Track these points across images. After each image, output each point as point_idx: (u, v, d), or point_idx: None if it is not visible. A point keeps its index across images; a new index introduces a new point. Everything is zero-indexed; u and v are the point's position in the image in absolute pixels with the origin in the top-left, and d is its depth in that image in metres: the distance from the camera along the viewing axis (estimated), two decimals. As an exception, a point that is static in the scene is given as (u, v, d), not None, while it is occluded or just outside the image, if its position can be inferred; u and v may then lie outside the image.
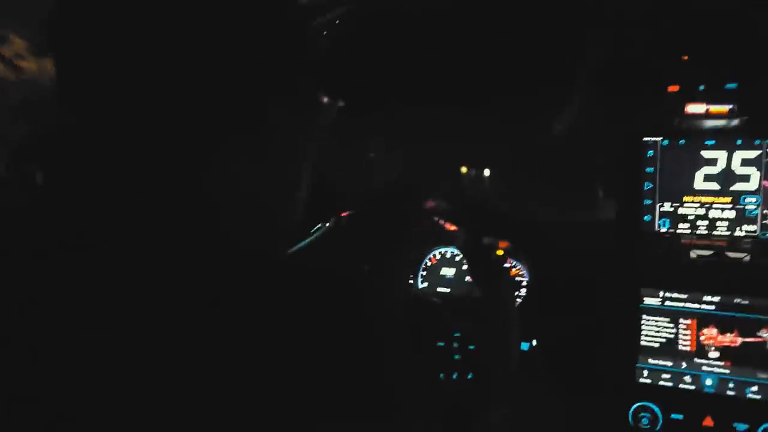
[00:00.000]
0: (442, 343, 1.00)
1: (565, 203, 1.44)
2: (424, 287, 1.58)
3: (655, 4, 1.11)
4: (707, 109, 1.23)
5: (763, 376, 1.19)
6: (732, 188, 1.24)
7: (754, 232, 1.24)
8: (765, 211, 1.22)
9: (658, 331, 1.29)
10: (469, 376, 0.92)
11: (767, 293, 1.21)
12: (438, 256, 1.58)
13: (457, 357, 0.96)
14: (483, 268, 1.02)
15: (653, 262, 1.31)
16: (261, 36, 0.49)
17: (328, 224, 1.20)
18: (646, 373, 1.29)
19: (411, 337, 0.96)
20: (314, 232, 1.21)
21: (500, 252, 1.47)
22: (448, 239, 1.21)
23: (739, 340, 1.22)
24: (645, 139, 1.28)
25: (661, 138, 1.27)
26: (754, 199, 1.23)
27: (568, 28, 1.24)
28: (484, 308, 1.03)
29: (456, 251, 1.52)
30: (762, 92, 1.17)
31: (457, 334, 0.98)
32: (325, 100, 0.61)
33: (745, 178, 1.23)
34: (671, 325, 1.28)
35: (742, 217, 1.25)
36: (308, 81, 0.57)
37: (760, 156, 1.21)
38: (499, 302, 1.00)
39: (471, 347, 0.96)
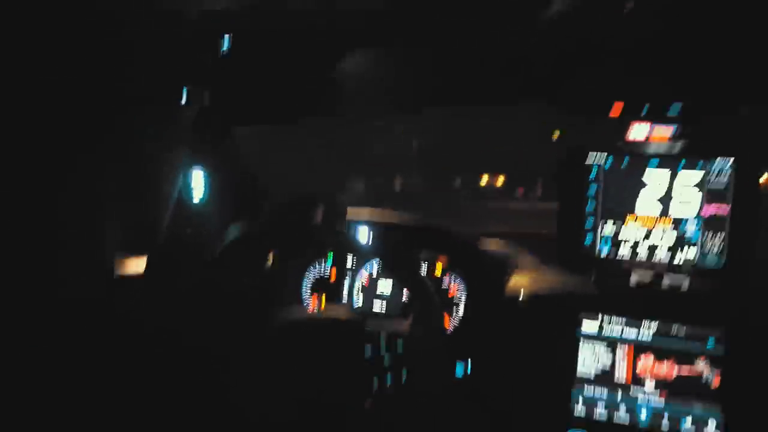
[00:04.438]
0: (369, 353, 0.94)
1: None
2: (359, 306, 1.49)
3: (604, 25, 1.09)
4: (651, 128, 1.21)
5: (697, 407, 1.14)
6: (673, 211, 1.22)
7: (694, 258, 1.22)
8: (705, 237, 1.20)
9: (595, 359, 1.23)
10: (403, 380, 0.87)
11: (704, 322, 1.17)
12: (374, 274, 1.49)
13: (386, 363, 0.89)
14: (404, 273, 1.01)
15: (593, 286, 1.27)
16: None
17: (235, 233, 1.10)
18: (581, 401, 1.22)
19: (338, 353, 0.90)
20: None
21: (439, 266, 1.40)
22: (364, 251, 1.17)
23: (676, 369, 1.17)
24: (590, 153, 1.25)
25: (606, 153, 1.24)
26: (694, 224, 1.21)
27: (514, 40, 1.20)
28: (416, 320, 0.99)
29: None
30: (706, 114, 1.17)
31: (381, 339, 0.91)
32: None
33: (687, 202, 1.21)
34: (608, 352, 1.22)
35: (683, 242, 1.22)
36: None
37: (702, 179, 1.20)
38: (425, 307, 0.98)
39: (399, 351, 0.90)
